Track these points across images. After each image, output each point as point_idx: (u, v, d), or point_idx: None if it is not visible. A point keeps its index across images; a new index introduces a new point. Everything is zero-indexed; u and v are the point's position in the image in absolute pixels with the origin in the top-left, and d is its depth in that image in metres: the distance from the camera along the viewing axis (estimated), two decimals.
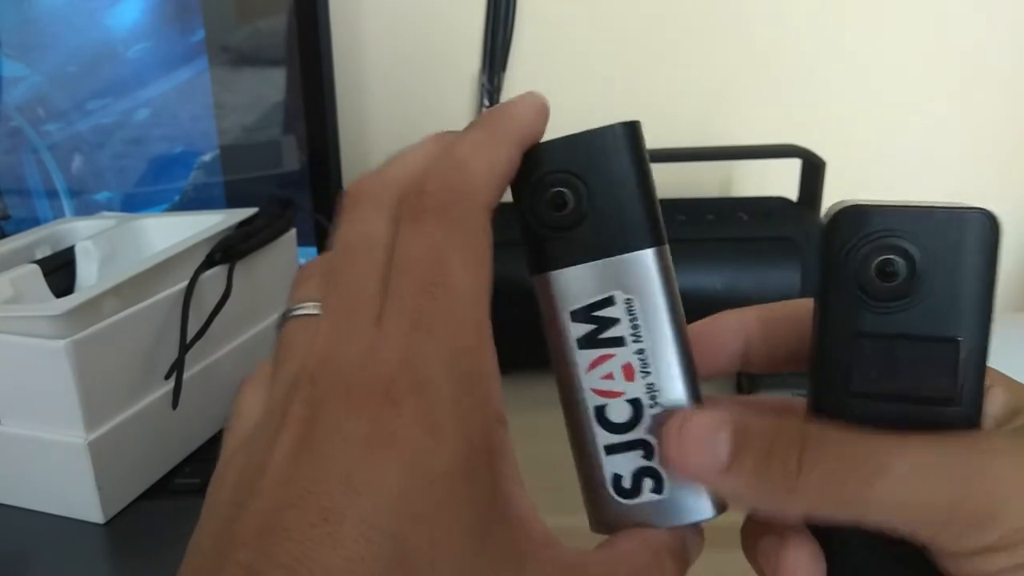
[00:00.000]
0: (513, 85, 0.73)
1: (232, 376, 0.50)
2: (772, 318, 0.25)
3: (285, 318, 0.22)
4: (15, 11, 0.63)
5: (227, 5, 0.63)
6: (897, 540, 0.20)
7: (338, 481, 0.16)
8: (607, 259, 0.22)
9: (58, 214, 0.67)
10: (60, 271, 0.52)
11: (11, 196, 0.68)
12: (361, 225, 0.20)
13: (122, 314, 0.43)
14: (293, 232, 0.57)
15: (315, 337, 0.19)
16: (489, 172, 0.20)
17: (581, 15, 0.72)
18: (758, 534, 0.23)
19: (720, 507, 0.22)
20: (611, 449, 0.22)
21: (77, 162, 0.67)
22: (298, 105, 0.64)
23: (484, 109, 0.72)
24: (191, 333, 0.46)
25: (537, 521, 0.20)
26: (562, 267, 0.22)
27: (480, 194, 0.20)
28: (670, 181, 0.71)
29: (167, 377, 0.45)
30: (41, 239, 0.54)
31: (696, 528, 0.23)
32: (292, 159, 0.65)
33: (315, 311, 0.20)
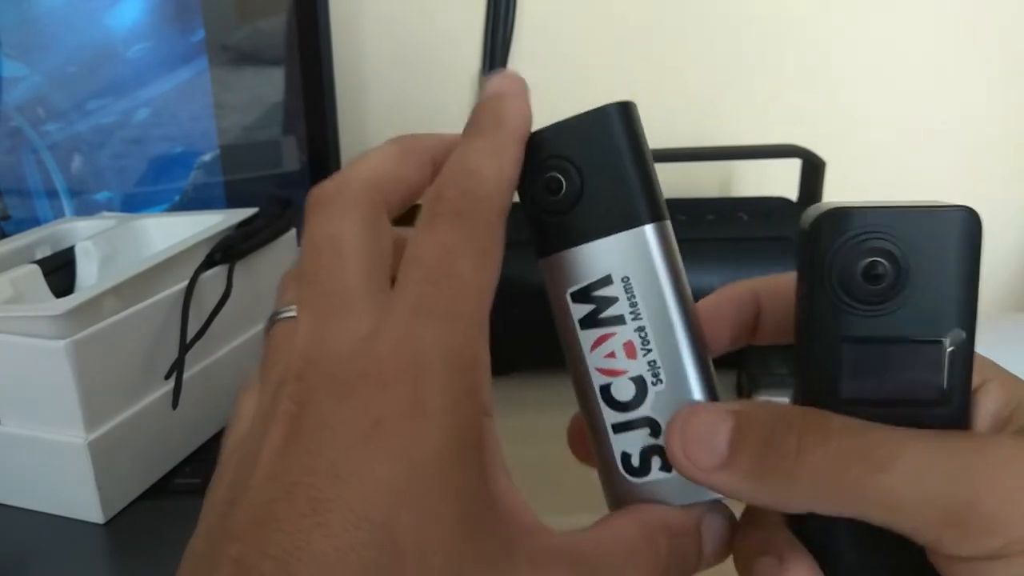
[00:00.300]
0: None
1: (232, 376, 0.50)
2: (779, 288, 0.24)
3: (272, 322, 0.22)
4: (15, 11, 0.63)
5: (227, 5, 0.63)
6: (898, 554, 0.20)
7: (326, 471, 0.17)
8: (603, 239, 0.22)
9: (58, 214, 0.67)
10: (60, 271, 0.52)
11: (11, 196, 0.68)
12: (326, 226, 0.20)
13: (122, 314, 0.43)
14: (293, 232, 0.57)
15: (297, 336, 0.19)
16: (500, 176, 0.21)
17: (581, 15, 0.72)
18: (754, 554, 0.22)
19: None
20: (618, 428, 0.22)
21: (77, 162, 0.67)
22: (298, 105, 0.64)
23: None
24: (191, 333, 0.46)
25: (527, 511, 0.20)
26: (561, 249, 0.22)
27: (495, 199, 0.20)
28: (670, 181, 0.71)
29: (167, 377, 0.45)
30: (41, 239, 0.54)
31: (719, 507, 0.22)
32: (292, 159, 0.65)
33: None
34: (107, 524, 0.43)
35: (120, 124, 0.65)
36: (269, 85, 0.64)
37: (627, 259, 0.22)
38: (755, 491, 0.20)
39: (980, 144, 0.75)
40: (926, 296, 0.20)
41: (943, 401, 0.20)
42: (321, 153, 0.64)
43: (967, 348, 0.20)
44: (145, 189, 0.67)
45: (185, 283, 0.47)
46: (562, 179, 0.22)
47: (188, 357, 0.46)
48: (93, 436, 0.42)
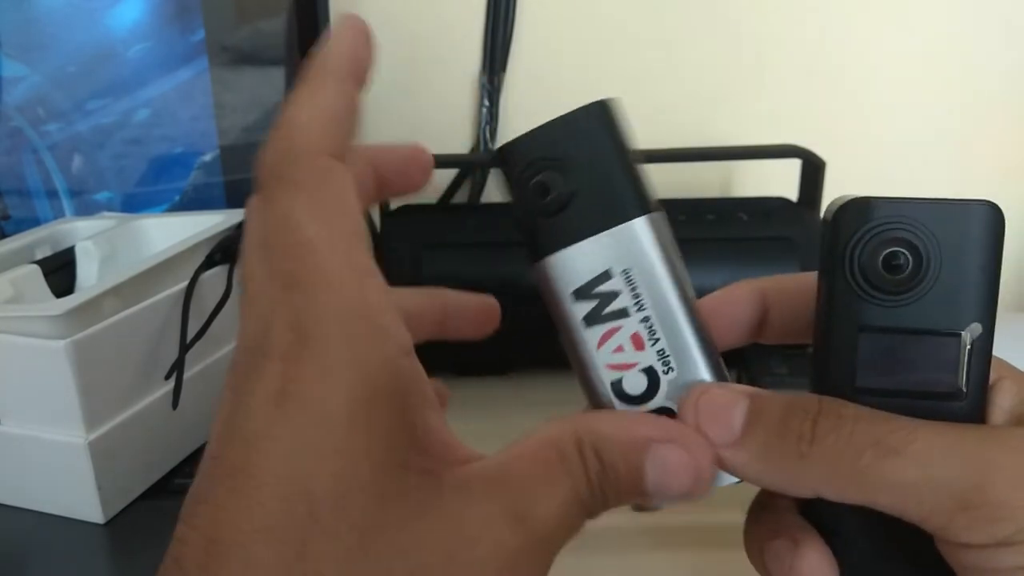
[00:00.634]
0: (513, 85, 0.73)
1: None
2: (787, 288, 0.24)
3: None
4: (15, 11, 0.63)
5: (227, 5, 0.63)
6: (907, 540, 0.20)
7: (244, 443, 0.18)
8: (598, 235, 0.22)
9: (58, 214, 0.67)
10: (60, 271, 0.52)
11: (11, 196, 0.68)
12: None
13: (122, 314, 0.43)
14: None
15: None
16: (317, 119, 0.21)
17: (581, 15, 0.72)
18: (766, 538, 0.23)
19: None
20: None
21: (77, 162, 0.67)
22: None
23: (484, 109, 0.72)
24: (191, 333, 0.46)
25: (460, 447, 0.20)
26: (557, 250, 0.22)
27: (313, 145, 0.20)
28: (670, 181, 0.71)
29: (167, 377, 0.45)
30: (41, 239, 0.54)
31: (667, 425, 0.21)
32: None
33: None
34: (107, 524, 0.43)
35: (120, 124, 0.65)
36: (269, 85, 0.64)
37: (625, 252, 0.22)
38: (766, 472, 0.20)
39: (981, 144, 0.75)
40: (946, 288, 0.20)
41: (959, 395, 0.21)
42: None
43: (985, 342, 0.20)
44: (145, 189, 0.67)
45: (185, 283, 0.47)
46: (551, 180, 0.22)
47: (188, 357, 0.46)
48: (93, 436, 0.42)
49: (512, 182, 0.23)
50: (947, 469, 0.19)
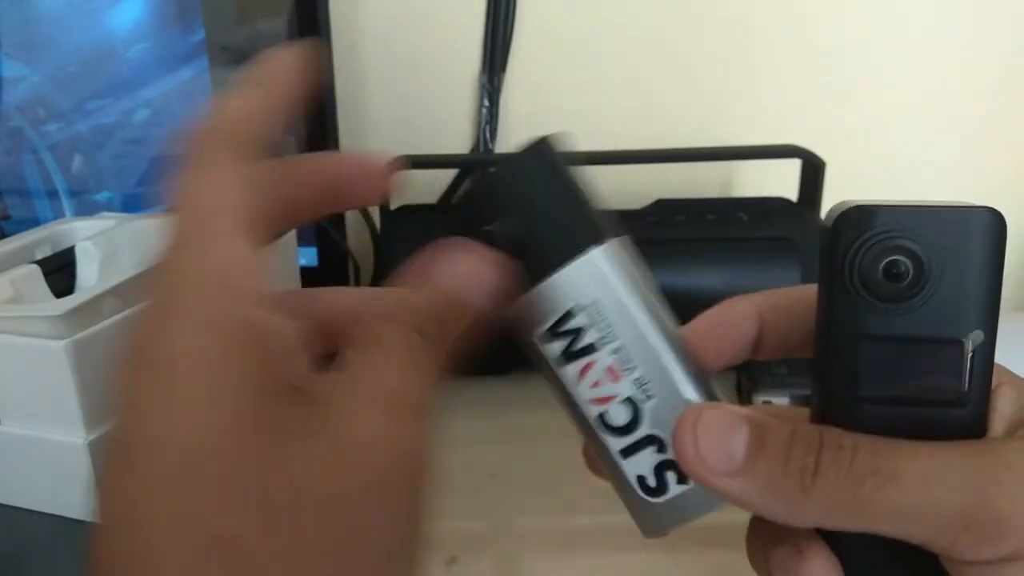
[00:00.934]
0: (513, 85, 0.73)
1: None
2: (784, 303, 0.24)
3: None
4: (15, 11, 0.63)
5: (227, 5, 0.63)
6: (911, 549, 0.20)
7: (124, 413, 0.18)
8: (555, 274, 0.22)
9: (58, 214, 0.67)
10: (60, 271, 0.52)
11: (11, 196, 0.68)
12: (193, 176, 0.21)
13: (122, 314, 0.43)
14: (293, 232, 0.57)
15: None
16: (230, 110, 0.21)
17: (581, 15, 0.72)
18: (769, 544, 0.22)
19: None
20: (626, 452, 0.22)
21: (77, 162, 0.67)
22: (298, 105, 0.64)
23: (484, 109, 0.72)
24: None
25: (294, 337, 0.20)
26: (520, 295, 0.22)
27: (219, 129, 0.21)
28: (670, 181, 0.71)
29: None
30: (41, 239, 0.54)
31: (458, 252, 0.22)
32: None
33: None
34: None
35: (120, 124, 0.65)
36: None
37: (584, 286, 0.22)
38: (768, 504, 0.20)
39: (981, 144, 0.75)
40: (947, 296, 0.20)
41: (961, 402, 0.20)
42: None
43: (987, 349, 0.20)
44: (145, 189, 0.67)
45: None
46: (500, 229, 0.22)
47: None
48: (93, 436, 0.42)
49: (475, 233, 0.23)
50: (947, 491, 0.19)
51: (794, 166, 0.63)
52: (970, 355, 0.20)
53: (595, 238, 0.22)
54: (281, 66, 0.23)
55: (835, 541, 0.22)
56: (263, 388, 0.18)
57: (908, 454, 0.19)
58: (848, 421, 0.21)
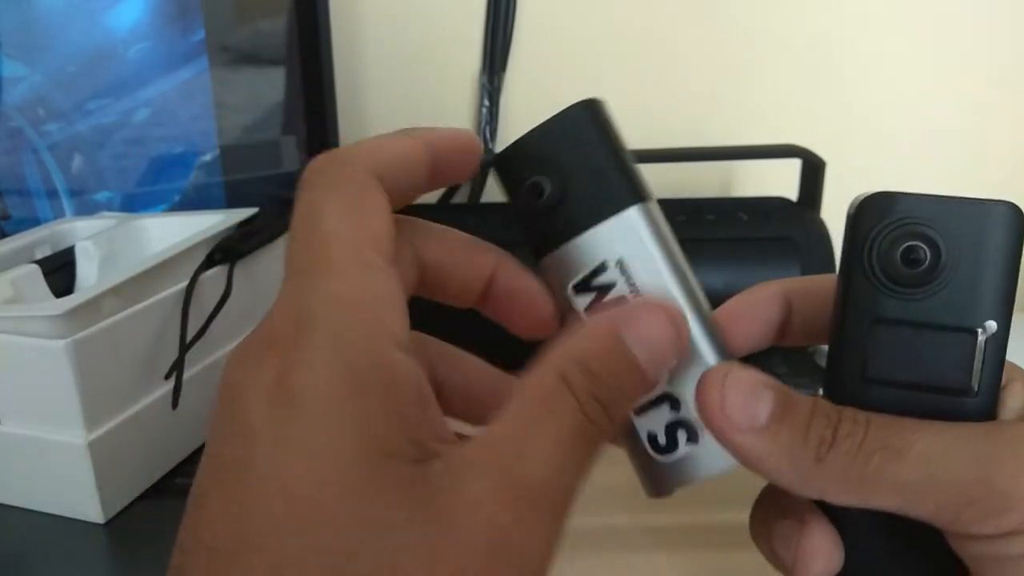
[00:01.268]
0: (513, 85, 0.73)
1: None
2: (812, 289, 0.24)
3: None
4: (15, 11, 0.63)
5: (227, 5, 0.63)
6: (911, 527, 0.20)
7: (239, 440, 0.17)
8: (592, 229, 0.22)
9: (58, 214, 0.67)
10: (60, 271, 0.52)
11: (11, 196, 0.68)
12: (310, 195, 0.21)
13: (122, 314, 0.43)
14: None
15: None
16: (373, 149, 0.21)
17: (581, 15, 0.72)
18: (772, 518, 0.23)
19: None
20: (640, 410, 0.23)
21: (77, 162, 0.67)
22: (298, 105, 0.64)
23: (484, 109, 0.72)
24: (191, 333, 0.46)
25: (456, 436, 0.19)
26: (555, 248, 0.23)
27: (358, 161, 0.21)
28: (670, 181, 0.71)
29: (167, 377, 0.45)
30: (41, 239, 0.54)
31: (640, 306, 0.21)
32: (292, 159, 0.65)
33: None
34: (107, 524, 0.43)
35: (120, 124, 0.65)
36: (269, 85, 0.64)
37: (618, 242, 0.22)
38: (781, 469, 0.20)
39: (981, 145, 0.75)
40: (963, 285, 0.21)
41: (970, 391, 0.21)
42: (321, 153, 0.64)
43: (1000, 341, 0.21)
44: (145, 189, 0.67)
45: (185, 283, 0.47)
46: (543, 182, 0.23)
47: (188, 357, 0.46)
48: (93, 436, 0.42)
49: (509, 187, 0.23)
50: (950, 466, 0.19)
51: (794, 166, 0.63)
52: (982, 345, 0.20)
53: (634, 196, 0.22)
54: (453, 137, 0.23)
55: (838, 517, 0.22)
56: (383, 440, 0.17)
57: (915, 431, 0.20)
58: (857, 402, 0.21)
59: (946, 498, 0.19)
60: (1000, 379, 0.21)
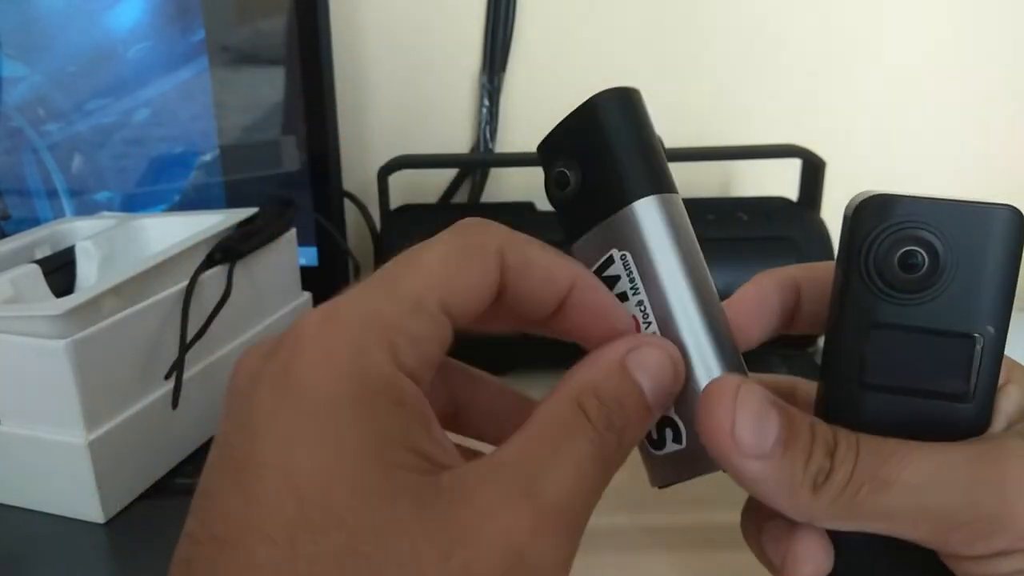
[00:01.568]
0: (513, 85, 0.73)
1: None
2: (819, 277, 0.24)
3: None
4: (15, 11, 0.63)
5: (227, 5, 0.63)
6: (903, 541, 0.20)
7: (249, 431, 0.17)
8: (604, 222, 0.22)
9: (58, 214, 0.67)
10: (60, 271, 0.52)
11: (11, 196, 0.68)
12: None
13: (122, 314, 0.43)
14: (293, 232, 0.57)
15: None
16: (521, 240, 0.21)
17: (581, 15, 0.72)
18: (764, 517, 0.23)
19: None
20: None
21: (77, 162, 0.67)
22: (298, 105, 0.64)
23: (484, 109, 0.72)
24: (191, 333, 0.46)
25: (460, 454, 0.19)
26: (578, 238, 0.23)
27: (497, 233, 0.21)
28: None
29: (167, 377, 0.45)
30: (41, 239, 0.54)
31: (643, 340, 0.21)
32: (292, 159, 0.65)
33: None
34: (107, 524, 0.43)
35: (120, 124, 0.65)
36: (269, 85, 0.64)
37: (624, 236, 0.22)
38: (776, 493, 0.20)
39: (981, 145, 0.75)
40: (961, 290, 0.20)
41: (966, 397, 0.20)
42: (321, 153, 0.64)
43: (997, 346, 0.20)
44: (145, 189, 0.67)
45: (185, 283, 0.47)
46: (567, 173, 0.23)
47: (188, 357, 0.46)
48: (93, 436, 0.42)
49: (545, 176, 0.23)
50: (938, 493, 0.19)
51: (794, 166, 0.63)
52: (980, 351, 0.20)
53: (645, 189, 0.22)
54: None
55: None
56: (390, 448, 0.17)
57: (903, 457, 0.19)
58: (852, 407, 0.21)
59: (935, 524, 0.19)
60: (996, 383, 0.21)
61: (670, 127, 0.73)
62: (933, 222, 0.20)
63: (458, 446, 0.20)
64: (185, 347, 0.45)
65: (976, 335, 0.20)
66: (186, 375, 0.46)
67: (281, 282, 0.57)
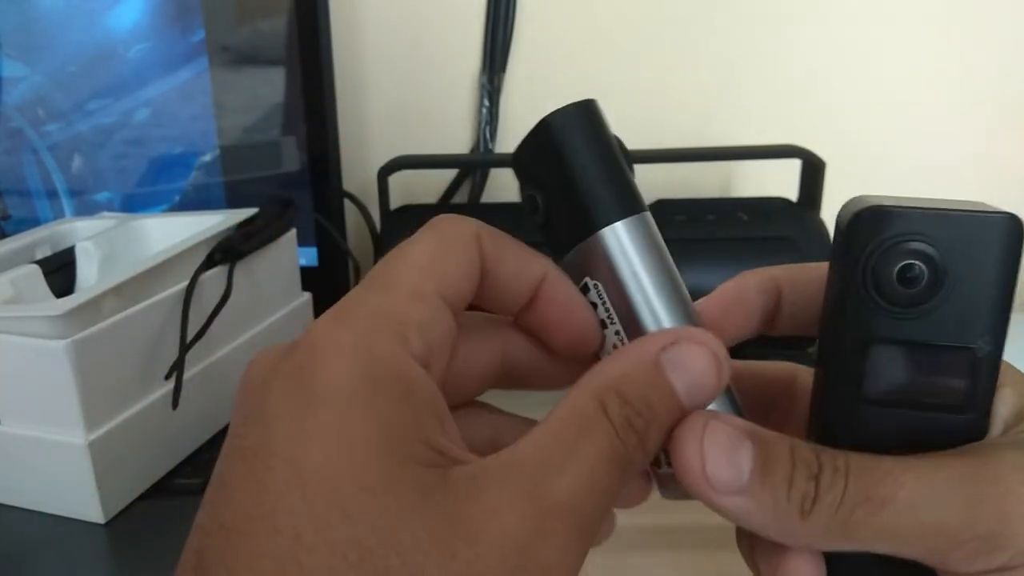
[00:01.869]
0: (513, 85, 0.73)
1: (232, 376, 0.50)
2: (800, 278, 0.24)
3: None
4: (15, 11, 0.63)
5: (227, 5, 0.63)
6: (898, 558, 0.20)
7: (261, 422, 0.18)
8: (575, 248, 0.22)
9: (58, 214, 0.67)
10: (60, 271, 0.52)
11: (11, 196, 0.68)
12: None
13: (122, 314, 0.43)
14: (293, 232, 0.57)
15: None
16: (491, 232, 0.22)
17: (581, 16, 0.72)
18: (755, 534, 0.22)
19: None
20: None
21: (77, 162, 0.67)
22: (298, 105, 0.64)
23: (484, 109, 0.72)
24: (191, 333, 0.46)
25: (470, 452, 0.19)
26: (560, 256, 0.22)
27: (471, 224, 0.21)
28: (670, 181, 0.71)
29: (167, 377, 0.45)
30: (41, 239, 0.54)
31: (684, 335, 0.20)
32: (292, 159, 0.65)
33: None
34: (107, 524, 0.43)
35: (120, 124, 0.65)
36: (269, 85, 0.64)
37: (593, 264, 0.22)
38: (765, 524, 0.20)
39: (981, 145, 0.75)
40: (960, 302, 0.20)
41: (965, 408, 0.20)
42: (321, 153, 0.64)
43: (995, 356, 0.20)
44: (145, 189, 0.67)
45: (185, 283, 0.47)
46: (535, 198, 0.22)
47: (188, 357, 0.46)
48: (93, 436, 0.42)
49: (520, 193, 0.23)
50: (936, 511, 0.19)
51: (794, 166, 0.63)
52: (979, 362, 0.20)
53: (611, 215, 0.21)
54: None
55: None
56: (400, 441, 0.17)
57: (898, 476, 0.19)
58: (850, 422, 0.20)
59: (934, 542, 0.19)
60: (994, 393, 0.20)
61: (670, 127, 0.73)
62: (931, 234, 0.19)
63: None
64: (185, 347, 0.45)
65: (975, 346, 0.20)
66: (186, 375, 0.46)
67: (281, 282, 0.57)
